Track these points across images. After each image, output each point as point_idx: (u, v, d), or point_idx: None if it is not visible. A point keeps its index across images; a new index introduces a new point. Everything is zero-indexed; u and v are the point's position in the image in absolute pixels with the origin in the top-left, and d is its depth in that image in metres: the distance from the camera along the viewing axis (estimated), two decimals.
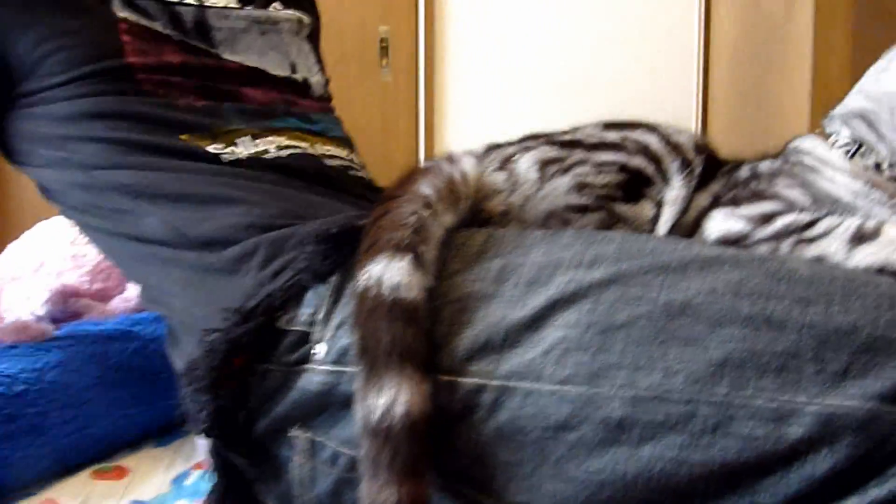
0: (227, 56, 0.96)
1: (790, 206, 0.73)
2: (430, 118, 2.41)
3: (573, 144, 0.83)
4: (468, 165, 0.82)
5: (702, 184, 0.82)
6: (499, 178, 0.79)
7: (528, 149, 0.82)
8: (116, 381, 0.97)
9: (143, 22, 0.90)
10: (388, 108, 2.37)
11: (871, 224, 0.68)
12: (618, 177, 0.78)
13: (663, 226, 0.79)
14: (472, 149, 0.86)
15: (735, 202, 0.75)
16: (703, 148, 0.86)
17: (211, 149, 0.87)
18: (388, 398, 0.59)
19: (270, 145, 0.91)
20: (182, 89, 0.90)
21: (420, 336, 0.63)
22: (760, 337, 0.57)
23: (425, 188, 0.74)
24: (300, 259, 0.72)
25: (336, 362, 0.68)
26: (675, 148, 0.84)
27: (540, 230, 0.74)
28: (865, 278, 0.62)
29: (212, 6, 0.97)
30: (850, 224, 0.68)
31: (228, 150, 0.88)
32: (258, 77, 0.98)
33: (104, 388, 0.96)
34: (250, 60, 0.98)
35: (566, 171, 0.79)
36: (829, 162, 0.76)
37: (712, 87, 2.22)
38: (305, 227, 0.76)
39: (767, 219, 0.71)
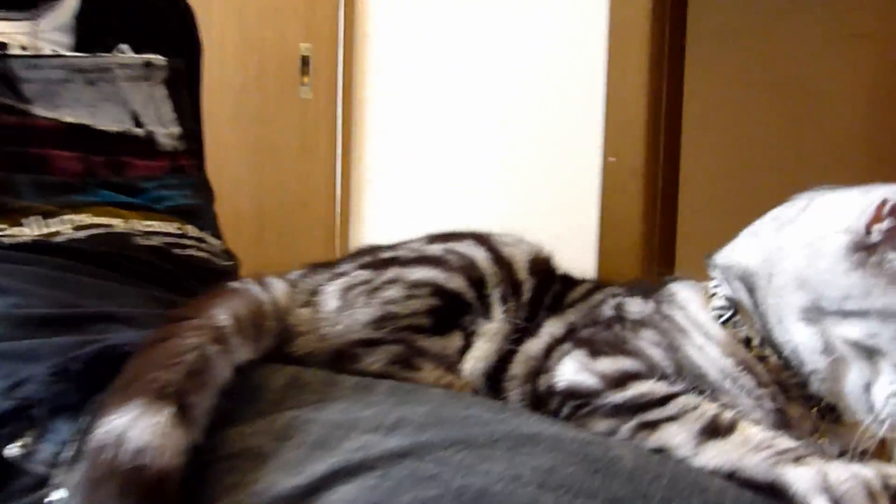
0: (40, 112, 0.85)
1: (650, 370, 0.63)
2: (348, 137, 2.38)
3: (389, 263, 0.74)
4: (280, 292, 0.73)
5: (553, 306, 0.74)
6: (304, 316, 0.71)
7: (338, 276, 0.75)
8: None
9: None
10: (308, 126, 2.34)
11: (727, 416, 0.58)
12: (429, 301, 0.70)
13: (471, 362, 0.70)
14: (291, 273, 0.79)
15: (593, 347, 0.66)
16: (540, 265, 0.77)
17: None
18: None
19: (65, 225, 0.81)
20: None
21: None
22: None
23: (222, 316, 0.63)
24: (37, 385, 0.61)
25: None
26: (504, 266, 0.74)
27: (352, 378, 0.65)
28: (695, 480, 0.54)
29: (18, 55, 0.85)
30: (706, 412, 0.59)
31: (13, 230, 0.78)
32: (80, 135, 0.87)
33: None
34: (74, 115, 0.87)
35: (371, 293, 0.70)
36: (700, 325, 0.66)
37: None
38: (60, 340, 0.65)
39: (623, 381, 0.63)
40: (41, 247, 0.78)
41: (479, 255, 0.74)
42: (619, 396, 0.61)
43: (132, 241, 0.85)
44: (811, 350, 0.61)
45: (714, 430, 0.57)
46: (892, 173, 2.28)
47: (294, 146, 2.32)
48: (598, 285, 0.77)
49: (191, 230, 0.93)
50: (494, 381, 0.69)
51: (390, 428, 0.56)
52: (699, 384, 0.62)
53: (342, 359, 0.68)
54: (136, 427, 0.52)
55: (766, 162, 2.26)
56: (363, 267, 0.75)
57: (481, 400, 0.65)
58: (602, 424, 0.60)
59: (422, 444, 0.54)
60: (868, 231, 0.60)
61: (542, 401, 0.65)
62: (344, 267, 0.77)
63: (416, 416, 0.57)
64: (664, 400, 0.60)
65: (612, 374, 0.63)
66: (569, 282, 0.78)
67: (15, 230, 0.78)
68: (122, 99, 0.92)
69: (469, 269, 0.72)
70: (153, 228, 0.87)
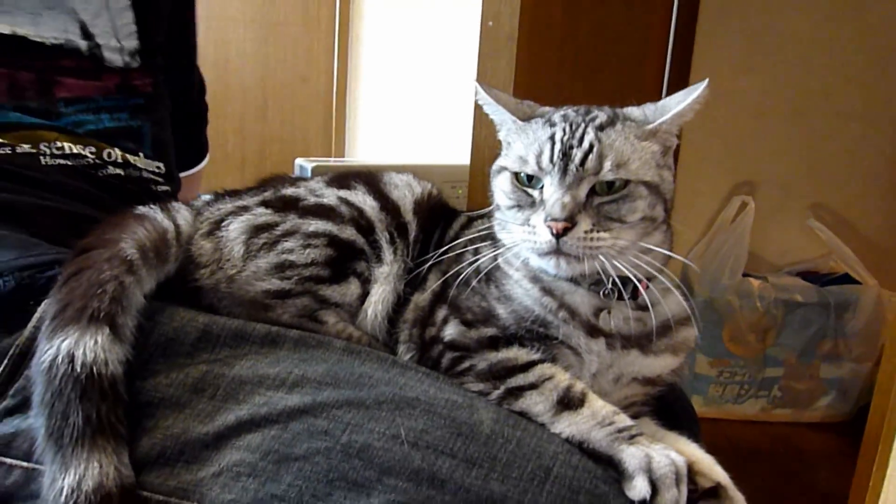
0: None
1: (503, 329, 0.70)
2: (346, 11, 2.39)
3: (289, 205, 0.78)
4: (184, 220, 0.77)
5: (440, 241, 0.79)
6: (206, 248, 0.75)
7: (241, 210, 0.77)
8: None
9: None
10: (310, 1, 2.39)
11: (578, 388, 0.66)
12: (325, 251, 0.75)
13: (371, 307, 0.76)
14: (198, 199, 0.82)
15: (464, 317, 0.72)
16: (425, 205, 0.82)
17: None
18: (75, 477, 0.56)
19: None
20: None
21: (121, 409, 0.60)
22: (420, 493, 0.57)
23: (130, 248, 0.68)
24: None
25: None
26: (391, 211, 0.79)
27: (262, 328, 0.69)
28: (536, 446, 0.61)
29: None
30: (560, 382, 0.66)
31: None
32: (13, 48, 0.84)
33: None
34: (13, 24, 0.84)
35: (273, 245, 0.74)
36: (511, 264, 0.73)
37: None
38: None
39: (493, 344, 0.70)
40: None
41: (368, 203, 0.79)
42: (491, 356, 0.69)
43: (38, 162, 0.83)
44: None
45: (568, 403, 0.65)
46: None
47: (297, 21, 2.37)
48: (471, 219, 0.83)
49: (114, 152, 0.90)
50: (392, 322, 0.78)
51: (292, 385, 0.63)
52: (537, 327, 0.70)
53: (255, 307, 0.74)
54: (81, 346, 0.60)
55: (791, 56, 2.11)
56: (265, 204, 0.78)
57: (375, 355, 0.70)
58: (476, 386, 0.68)
59: (318, 402, 0.62)
60: None
61: (427, 345, 0.75)
62: (247, 199, 0.80)
63: (316, 375, 0.64)
64: (526, 367, 0.68)
65: (484, 339, 0.71)
66: (450, 216, 0.84)
67: None
68: (68, 7, 0.86)
69: (358, 219, 0.77)
70: (65, 151, 0.85)
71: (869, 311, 1.96)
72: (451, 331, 0.72)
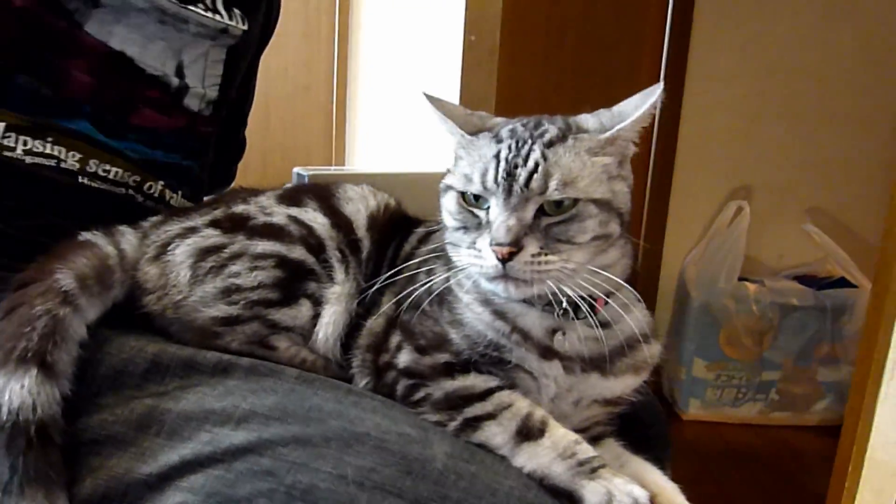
0: (93, 29, 0.82)
1: (457, 355, 0.67)
2: (345, 23, 2.42)
3: (238, 226, 0.75)
4: (128, 244, 0.74)
5: (394, 257, 0.75)
6: (152, 274, 0.72)
7: (189, 232, 0.74)
8: None
9: None
10: (310, 12, 2.42)
11: (538, 416, 0.63)
12: (273, 273, 0.72)
13: (323, 329, 0.73)
14: (144, 222, 0.78)
15: (417, 343, 0.69)
16: (381, 219, 0.78)
17: None
18: None
19: (21, 144, 0.79)
20: None
21: (54, 454, 0.58)
22: None
23: (66, 279, 0.65)
24: None
25: None
26: (342, 228, 0.76)
27: (213, 357, 0.67)
28: (491, 481, 0.58)
29: None
30: (519, 410, 0.63)
31: None
32: (116, 65, 0.84)
33: None
34: (125, 42, 0.84)
35: (220, 269, 0.72)
36: (461, 285, 0.69)
37: None
38: None
39: (448, 371, 0.67)
40: None
41: (318, 220, 0.76)
42: (447, 384, 0.66)
43: (76, 180, 0.82)
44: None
45: (528, 433, 0.62)
46: None
47: (297, 32, 2.40)
48: (428, 233, 0.78)
49: (155, 186, 0.90)
50: (346, 346, 0.74)
51: (239, 421, 0.60)
52: (490, 351, 0.67)
53: (204, 335, 0.70)
54: (6, 393, 0.57)
55: (786, 61, 2.12)
56: (214, 225, 0.75)
57: (329, 383, 0.66)
58: (433, 417, 0.65)
59: (264, 440, 0.59)
60: None
61: (381, 371, 0.71)
62: (196, 220, 0.76)
63: (265, 408, 0.61)
64: (483, 395, 0.64)
65: (438, 366, 0.68)
66: (406, 230, 0.80)
67: None
68: (177, 46, 0.88)
69: (308, 238, 0.74)
70: (111, 174, 0.85)
71: (865, 314, 1.96)
72: (404, 358, 0.69)
